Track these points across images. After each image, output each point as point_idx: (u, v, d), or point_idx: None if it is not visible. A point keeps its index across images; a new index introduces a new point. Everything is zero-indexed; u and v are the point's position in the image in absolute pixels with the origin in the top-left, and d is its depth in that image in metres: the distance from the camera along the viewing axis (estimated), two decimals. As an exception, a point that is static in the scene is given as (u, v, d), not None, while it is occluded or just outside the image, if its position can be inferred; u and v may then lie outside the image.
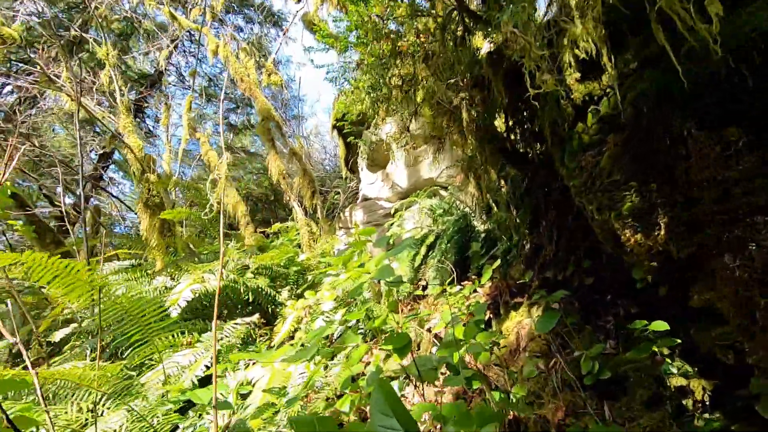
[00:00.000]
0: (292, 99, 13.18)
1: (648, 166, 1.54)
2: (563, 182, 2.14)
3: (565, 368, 1.93)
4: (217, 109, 13.34)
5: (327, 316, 3.34)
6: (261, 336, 3.92)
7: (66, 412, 2.33)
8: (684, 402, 1.69)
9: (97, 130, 10.30)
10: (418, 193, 5.68)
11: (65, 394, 2.53)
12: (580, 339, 2.09)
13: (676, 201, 1.47)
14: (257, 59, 7.37)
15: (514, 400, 1.66)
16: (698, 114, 1.40)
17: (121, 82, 6.92)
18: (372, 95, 3.60)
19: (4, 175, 2.41)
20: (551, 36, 1.51)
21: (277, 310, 4.39)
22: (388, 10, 2.76)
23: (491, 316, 2.73)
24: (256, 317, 3.72)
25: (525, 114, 2.56)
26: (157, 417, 2.15)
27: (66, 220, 5.11)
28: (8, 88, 9.39)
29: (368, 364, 2.75)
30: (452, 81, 2.69)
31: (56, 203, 8.40)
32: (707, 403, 1.67)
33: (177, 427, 2.22)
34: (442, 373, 2.08)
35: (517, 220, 2.95)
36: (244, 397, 2.45)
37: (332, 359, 2.77)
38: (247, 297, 4.30)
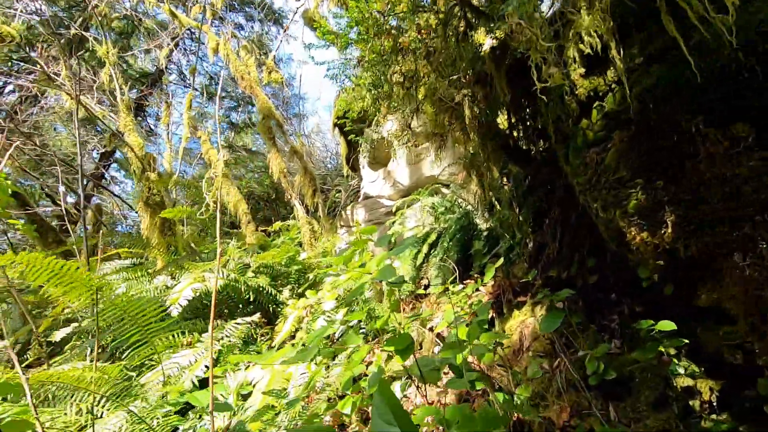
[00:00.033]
0: (293, 97, 13.15)
1: (654, 163, 1.51)
2: (567, 179, 2.11)
3: (569, 368, 1.90)
4: (219, 107, 13.32)
5: (328, 316, 3.32)
6: (262, 335, 3.90)
7: (65, 414, 2.32)
8: (691, 403, 1.66)
9: (99, 129, 10.28)
10: (420, 191, 5.65)
11: (64, 395, 2.51)
12: (584, 338, 2.06)
13: (683, 199, 1.44)
14: (257, 57, 7.35)
15: (518, 402, 1.63)
16: (705, 110, 1.37)
17: (122, 80, 6.89)
18: (373, 92, 3.57)
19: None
20: (557, 28, 1.47)
21: (278, 309, 4.37)
22: (389, 6, 2.73)
23: (494, 315, 2.70)
24: (256, 317, 3.70)
25: (528, 111, 2.53)
26: (157, 419, 2.13)
27: (66, 219, 5.10)
28: (10, 87, 9.39)
29: (370, 363, 2.73)
30: (454, 77, 2.66)
31: (58, 202, 8.39)
32: (714, 404, 1.64)
33: (177, 429, 2.20)
34: (444, 373, 2.06)
35: (520, 218, 2.92)
36: (245, 397, 2.43)
37: (334, 359, 2.75)
38: (248, 296, 4.28)
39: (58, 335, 3.99)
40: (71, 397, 2.51)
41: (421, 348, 2.90)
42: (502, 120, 2.69)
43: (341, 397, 1.80)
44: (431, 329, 2.95)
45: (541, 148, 2.58)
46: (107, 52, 6.65)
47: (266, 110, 6.64)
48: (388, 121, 6.26)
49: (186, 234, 5.30)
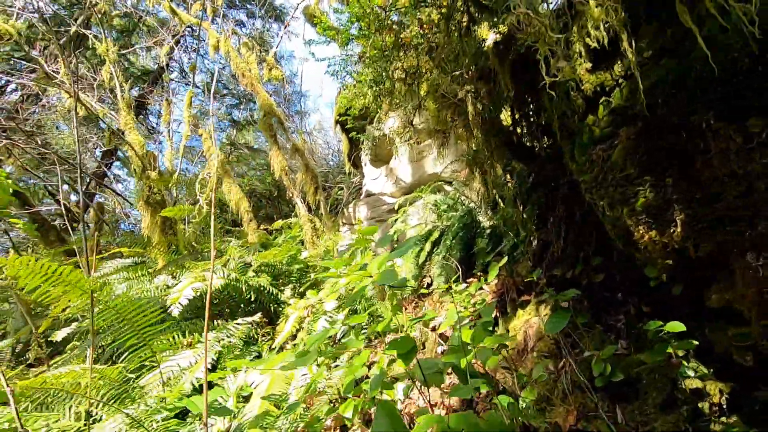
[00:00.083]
0: (295, 94, 13.11)
1: (663, 160, 1.47)
2: (572, 176, 2.07)
3: (575, 369, 1.87)
4: (221, 104, 13.31)
5: (330, 316, 3.29)
6: (263, 336, 3.88)
7: (64, 416, 2.30)
8: (700, 405, 1.63)
9: (102, 126, 10.29)
10: (422, 188, 5.62)
11: (62, 398, 2.49)
12: (590, 339, 2.02)
13: (693, 196, 1.40)
14: (258, 54, 7.30)
15: (524, 405, 1.60)
16: (717, 104, 1.32)
17: (122, 78, 6.86)
18: (375, 89, 3.54)
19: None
20: (566, 20, 1.43)
21: (280, 308, 4.34)
22: (391, 0, 2.69)
23: (498, 314, 2.67)
24: (257, 316, 3.68)
25: (532, 107, 2.49)
26: (156, 422, 2.10)
27: (66, 218, 5.09)
28: (12, 86, 9.38)
29: (373, 364, 2.70)
30: (457, 73, 2.62)
31: (60, 201, 8.39)
32: (724, 406, 1.61)
33: (176, 432, 2.18)
34: (448, 374, 2.03)
35: (524, 216, 2.89)
36: (247, 398, 2.40)
37: (335, 360, 2.72)
38: (249, 296, 4.26)
39: (59, 335, 3.97)
40: (70, 399, 2.48)
41: (424, 348, 2.87)
42: (505, 116, 2.65)
43: (343, 399, 1.77)
44: (434, 329, 2.92)
45: (545, 145, 2.54)
46: (107, 50, 6.62)
47: (267, 107, 6.60)
48: (389, 118, 6.23)
49: (187, 233, 5.28)
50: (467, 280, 3.11)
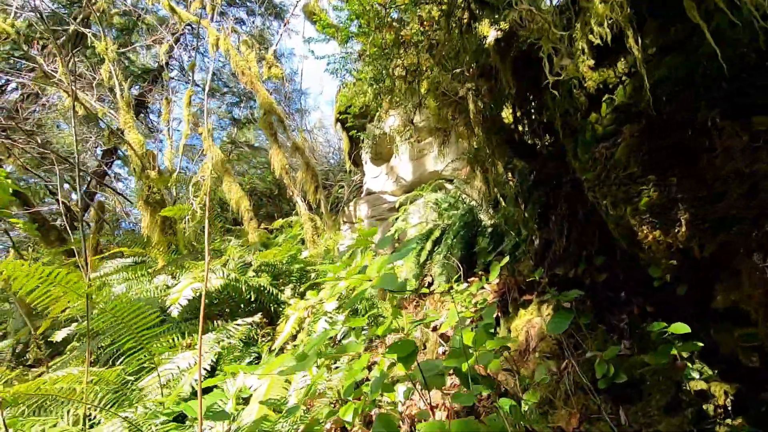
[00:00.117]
0: (295, 92, 13.08)
1: (667, 158, 1.45)
2: (574, 174, 2.05)
3: (577, 370, 1.84)
4: (221, 103, 13.28)
5: (330, 317, 3.27)
6: (263, 336, 3.86)
7: (63, 419, 2.28)
8: (705, 407, 1.61)
9: (103, 125, 10.28)
10: (423, 186, 5.59)
11: (61, 401, 2.46)
12: (592, 339, 2.00)
13: (698, 195, 1.37)
14: (258, 52, 7.27)
15: (526, 408, 1.58)
16: (722, 102, 1.30)
17: (122, 77, 6.84)
18: (375, 87, 3.51)
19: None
20: (570, 16, 1.40)
21: (280, 309, 4.32)
22: (390, -3, 2.67)
23: (499, 314, 2.65)
24: (257, 317, 3.65)
25: (533, 104, 2.46)
26: (155, 426, 2.08)
27: (65, 218, 5.08)
28: (12, 85, 9.37)
29: (374, 364, 2.69)
30: (458, 71, 2.60)
31: (60, 200, 8.39)
32: (729, 408, 1.58)
33: (174, 437, 2.15)
34: (450, 374, 2.01)
35: (526, 215, 2.86)
36: (247, 401, 2.38)
37: (336, 361, 2.70)
38: (249, 296, 4.24)
39: (59, 335, 3.95)
40: (67, 403, 2.45)
41: (425, 348, 2.85)
42: (506, 114, 2.62)
43: (344, 402, 1.75)
44: (435, 329, 2.90)
45: (547, 143, 2.52)
46: (106, 49, 6.59)
47: (267, 106, 6.58)
48: (390, 116, 6.20)
49: (187, 232, 5.26)
50: (468, 280, 3.09)
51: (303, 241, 6.03)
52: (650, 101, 1.34)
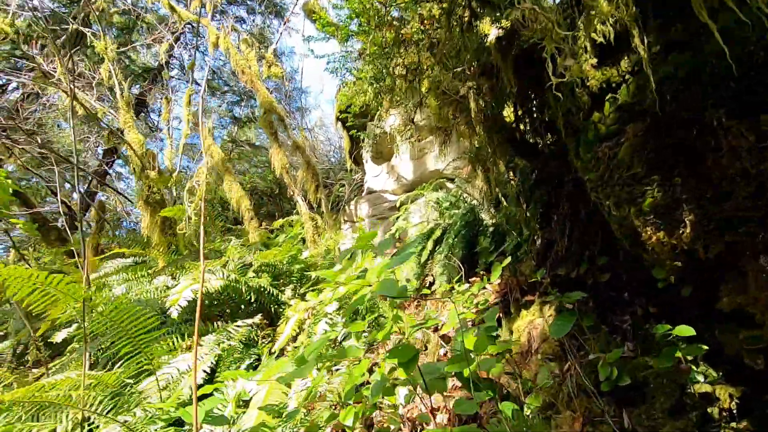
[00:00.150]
0: (296, 91, 13.06)
1: (671, 158, 1.42)
2: (577, 174, 2.02)
3: (580, 373, 1.82)
4: (221, 102, 13.26)
5: (330, 318, 3.25)
6: (263, 338, 3.84)
7: (61, 423, 2.26)
8: (709, 410, 1.58)
9: (104, 125, 10.27)
10: (424, 185, 5.57)
11: (59, 404, 2.44)
12: (595, 340, 1.98)
13: (703, 196, 1.35)
14: (258, 51, 7.25)
15: (528, 412, 1.56)
16: (729, 101, 1.27)
17: (121, 76, 6.82)
18: (375, 86, 3.49)
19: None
20: (573, 15, 1.38)
21: (281, 309, 4.30)
22: (390, -5, 2.64)
23: (501, 314, 2.63)
24: (258, 318, 3.64)
25: (535, 103, 2.44)
26: (154, 430, 2.06)
27: (65, 218, 5.06)
28: (13, 84, 9.36)
29: (375, 365, 2.67)
30: (459, 69, 2.57)
31: (63, 200, 8.38)
32: (734, 411, 1.56)
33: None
34: (451, 376, 1.99)
35: (527, 214, 2.84)
36: (247, 404, 2.36)
37: (336, 364, 2.68)
38: (249, 297, 4.22)
39: (59, 336, 3.93)
40: (65, 408, 2.42)
41: (426, 349, 2.83)
42: (508, 113, 2.60)
43: (344, 405, 1.73)
44: (436, 330, 2.88)
45: (548, 141, 2.49)
46: (106, 48, 6.57)
47: (268, 104, 6.56)
48: (390, 115, 6.18)
49: (187, 232, 5.23)
50: (470, 280, 3.07)
51: (304, 241, 6.01)
52: (656, 100, 1.31)
